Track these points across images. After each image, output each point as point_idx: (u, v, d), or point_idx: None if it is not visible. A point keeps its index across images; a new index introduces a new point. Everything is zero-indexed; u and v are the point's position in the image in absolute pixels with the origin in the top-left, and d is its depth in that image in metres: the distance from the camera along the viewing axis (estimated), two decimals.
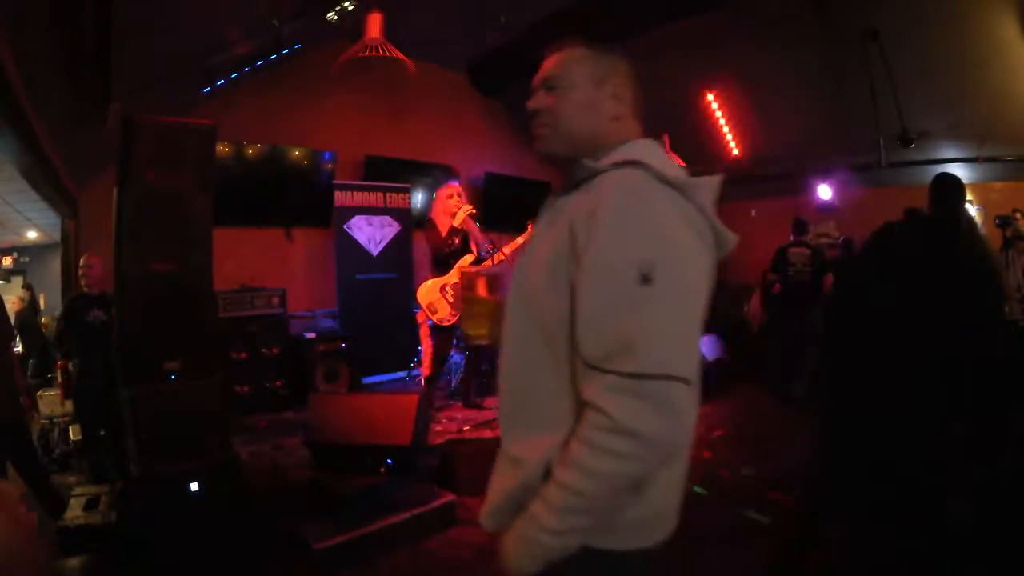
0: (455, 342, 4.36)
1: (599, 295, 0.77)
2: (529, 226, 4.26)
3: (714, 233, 0.86)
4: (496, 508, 0.90)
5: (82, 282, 3.68)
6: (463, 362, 4.54)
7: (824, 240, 6.83)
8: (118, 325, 2.75)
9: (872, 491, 1.92)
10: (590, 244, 0.78)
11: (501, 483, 0.90)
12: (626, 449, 0.73)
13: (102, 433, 3.60)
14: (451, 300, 3.97)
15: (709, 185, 0.90)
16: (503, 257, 3.99)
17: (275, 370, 4.85)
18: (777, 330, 5.71)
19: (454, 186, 4.15)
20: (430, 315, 4.02)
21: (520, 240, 4.30)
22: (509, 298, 0.95)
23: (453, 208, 4.00)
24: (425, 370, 4.15)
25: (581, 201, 0.85)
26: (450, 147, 7.01)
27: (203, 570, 2.40)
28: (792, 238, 5.46)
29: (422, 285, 4.08)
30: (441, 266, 4.06)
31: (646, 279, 0.74)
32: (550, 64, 1.00)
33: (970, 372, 1.77)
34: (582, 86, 0.97)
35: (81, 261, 3.73)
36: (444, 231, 3.99)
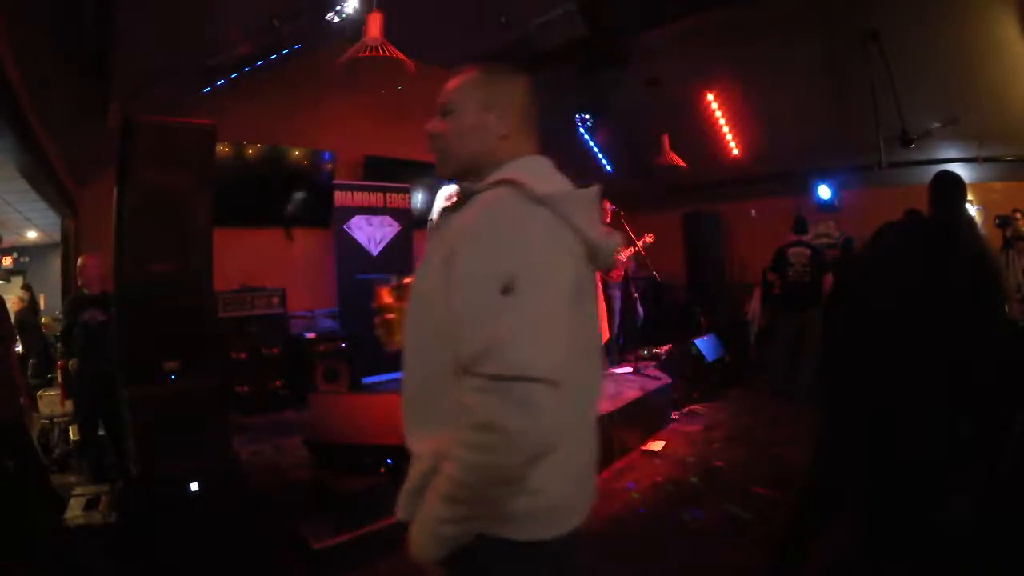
0: None
1: (466, 305, 0.85)
2: None
3: (587, 244, 0.93)
4: (404, 500, 0.97)
5: (79, 282, 3.68)
6: None
7: (824, 240, 6.84)
8: (118, 325, 2.75)
9: (872, 491, 1.92)
10: (458, 258, 0.88)
11: (409, 477, 0.97)
12: (491, 443, 0.80)
13: (101, 433, 3.60)
14: None
15: (580, 199, 0.96)
16: None
17: (275, 370, 4.85)
18: (777, 330, 5.71)
19: (454, 187, 4.15)
20: None
21: None
22: (409, 304, 1.03)
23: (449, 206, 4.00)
24: None
25: (461, 218, 0.95)
26: None
27: (203, 570, 2.40)
28: (792, 237, 5.42)
29: None
30: None
31: (507, 289, 0.82)
32: (446, 89, 1.09)
33: (970, 372, 1.77)
34: (471, 110, 1.05)
35: (78, 261, 3.73)
36: None
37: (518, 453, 0.81)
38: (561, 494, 0.94)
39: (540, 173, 0.99)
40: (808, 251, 5.32)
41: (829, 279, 5.08)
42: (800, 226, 5.44)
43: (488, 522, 0.89)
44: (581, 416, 0.98)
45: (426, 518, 0.89)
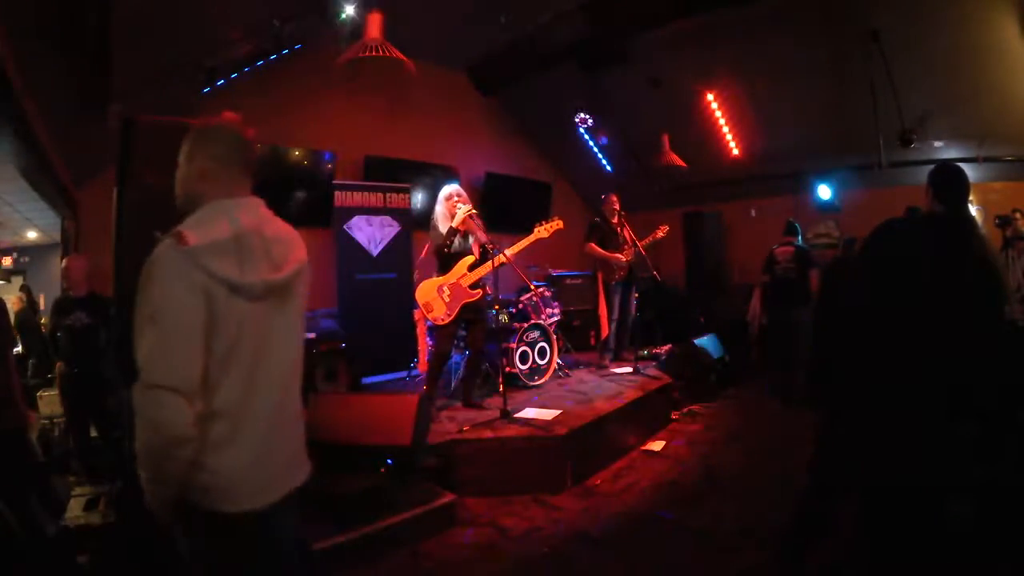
0: (455, 341, 4.36)
1: (135, 329, 1.17)
2: (535, 228, 4.30)
3: (226, 283, 1.20)
4: None
5: (64, 284, 3.66)
6: (463, 362, 4.54)
7: (824, 240, 6.84)
8: (118, 325, 2.75)
9: (872, 491, 1.92)
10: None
11: None
12: (144, 427, 1.13)
13: (93, 435, 3.59)
14: (447, 300, 3.96)
15: (219, 248, 1.22)
16: (505, 259, 3.99)
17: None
18: (768, 329, 5.79)
19: (454, 187, 4.14)
20: (426, 314, 4.02)
21: (525, 242, 4.30)
22: None
23: (452, 209, 4.00)
24: (422, 366, 4.13)
25: None
26: (450, 147, 7.01)
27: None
28: (783, 239, 5.55)
29: (421, 284, 4.08)
30: (444, 267, 4.07)
31: (151, 319, 1.15)
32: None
33: (972, 372, 1.77)
34: (182, 163, 1.37)
35: (62, 263, 3.72)
36: (444, 232, 3.99)
37: (159, 437, 1.13)
38: (235, 475, 1.21)
39: (212, 220, 1.26)
40: (792, 249, 5.40)
41: (815, 275, 5.15)
42: (788, 229, 5.56)
43: (188, 492, 1.19)
44: (256, 410, 1.24)
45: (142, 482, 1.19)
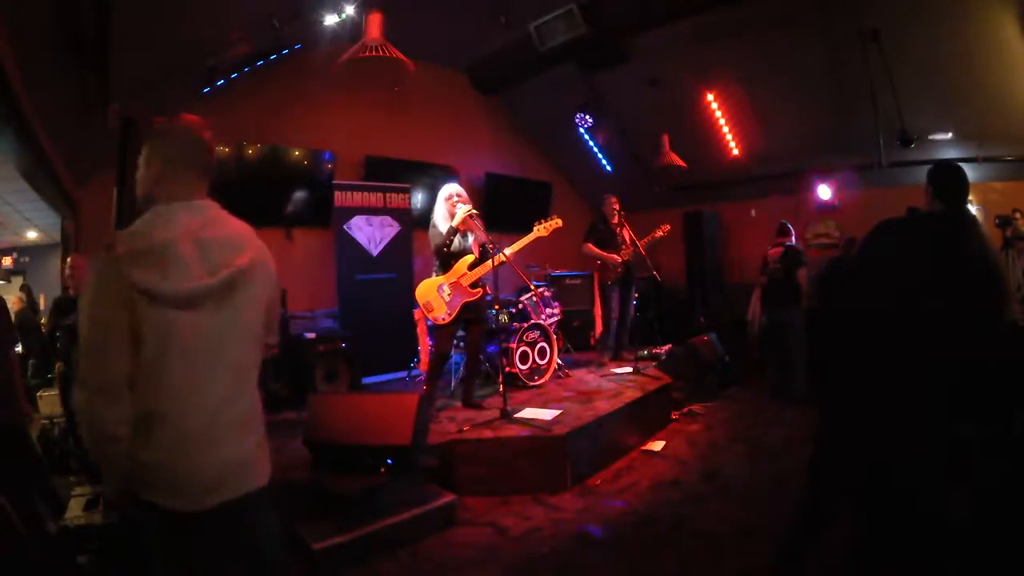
0: (455, 341, 4.35)
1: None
2: (534, 226, 4.30)
3: (145, 292, 1.23)
4: None
5: (69, 283, 3.65)
6: (463, 362, 4.54)
7: (824, 240, 6.85)
8: None
9: (871, 490, 1.92)
10: None
11: None
12: (80, 423, 1.24)
13: None
14: (447, 299, 3.96)
15: (144, 258, 1.25)
16: (505, 258, 3.99)
17: (275, 370, 4.84)
18: (764, 329, 5.89)
19: (454, 187, 4.14)
20: (426, 313, 4.01)
21: (524, 241, 4.30)
22: None
23: (452, 209, 4.00)
24: (422, 366, 4.12)
25: None
26: (450, 147, 7.01)
27: None
28: (775, 239, 5.64)
29: (421, 283, 4.08)
30: (444, 266, 4.07)
31: (83, 322, 1.23)
32: None
33: (971, 372, 1.77)
34: (140, 165, 1.39)
35: (68, 261, 3.71)
36: (444, 232, 3.99)
37: (92, 433, 1.22)
38: (176, 476, 1.26)
39: (147, 226, 1.30)
40: (781, 249, 5.46)
41: (802, 274, 5.23)
42: (780, 230, 5.63)
43: (136, 486, 1.26)
44: (193, 414, 1.27)
45: None
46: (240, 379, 1.38)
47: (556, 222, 4.34)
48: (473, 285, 4.03)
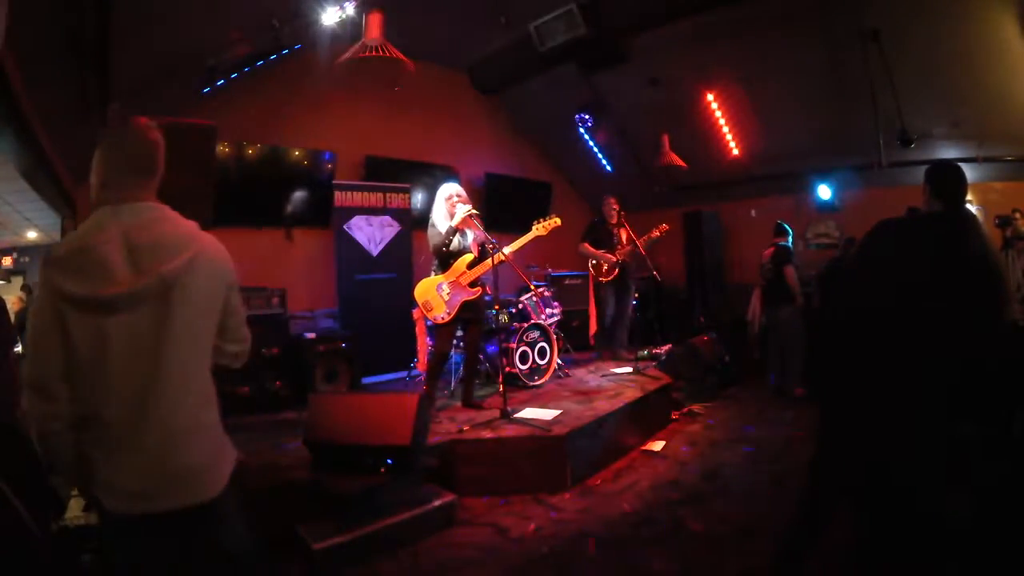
0: (455, 341, 4.35)
1: None
2: (533, 225, 4.30)
3: (69, 298, 1.24)
4: None
5: None
6: (462, 362, 4.53)
7: (824, 240, 6.85)
8: None
9: (871, 490, 1.92)
10: None
11: None
12: (27, 416, 1.27)
13: None
14: (446, 298, 3.96)
15: (65, 263, 1.26)
16: (504, 257, 3.99)
17: (275, 370, 4.84)
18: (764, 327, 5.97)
19: (454, 187, 4.14)
20: (426, 313, 4.01)
21: (523, 240, 4.30)
22: None
23: (451, 209, 4.00)
24: (421, 366, 4.11)
25: None
26: (450, 147, 7.01)
27: None
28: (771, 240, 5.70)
29: (420, 283, 4.07)
30: (443, 265, 4.07)
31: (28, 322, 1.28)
32: None
33: (971, 371, 1.77)
34: (92, 171, 1.38)
35: None
36: (443, 232, 3.99)
37: (35, 427, 1.27)
38: (113, 478, 1.27)
39: (82, 231, 1.30)
40: (772, 248, 5.51)
41: (790, 272, 5.30)
42: (776, 230, 5.68)
43: (84, 481, 1.31)
44: (127, 419, 1.26)
45: None
46: (180, 388, 1.32)
47: (555, 221, 4.34)
48: (472, 284, 4.03)
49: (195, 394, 1.36)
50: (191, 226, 1.40)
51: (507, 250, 4.05)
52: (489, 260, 3.93)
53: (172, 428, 1.30)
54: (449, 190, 4.10)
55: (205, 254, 1.37)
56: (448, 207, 4.01)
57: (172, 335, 1.30)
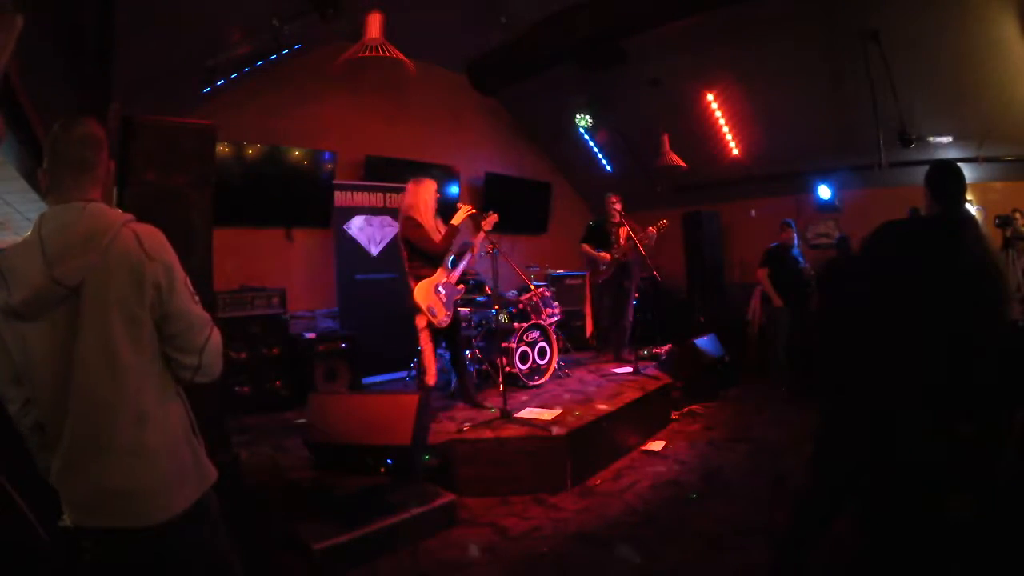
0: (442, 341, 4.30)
1: None
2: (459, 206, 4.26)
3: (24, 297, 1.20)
4: None
5: None
6: (452, 362, 4.51)
7: (823, 240, 6.85)
8: None
9: (872, 490, 1.92)
10: None
11: None
12: None
13: None
14: (444, 299, 3.94)
15: (2, 267, 1.22)
16: (485, 233, 4.01)
17: (275, 370, 4.85)
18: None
19: (433, 183, 4.03)
20: (431, 318, 3.84)
21: (462, 215, 4.14)
22: None
23: (434, 204, 3.94)
24: (430, 379, 3.92)
25: None
26: (450, 147, 7.01)
27: None
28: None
29: (417, 286, 3.89)
30: (433, 264, 3.92)
31: None
32: None
33: (971, 371, 1.77)
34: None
35: None
36: (429, 227, 3.86)
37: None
38: (60, 487, 1.25)
39: (24, 234, 1.26)
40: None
41: (761, 273, 5.56)
42: (781, 229, 5.76)
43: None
44: (62, 431, 1.21)
45: None
46: (110, 406, 1.20)
47: (469, 209, 4.05)
48: (458, 281, 4.08)
49: (135, 414, 1.22)
50: (112, 220, 1.25)
51: (455, 222, 3.93)
52: (469, 254, 4.05)
53: (107, 448, 1.20)
54: (431, 187, 3.99)
55: (118, 249, 1.22)
56: (432, 204, 3.94)
57: (87, 344, 1.19)
